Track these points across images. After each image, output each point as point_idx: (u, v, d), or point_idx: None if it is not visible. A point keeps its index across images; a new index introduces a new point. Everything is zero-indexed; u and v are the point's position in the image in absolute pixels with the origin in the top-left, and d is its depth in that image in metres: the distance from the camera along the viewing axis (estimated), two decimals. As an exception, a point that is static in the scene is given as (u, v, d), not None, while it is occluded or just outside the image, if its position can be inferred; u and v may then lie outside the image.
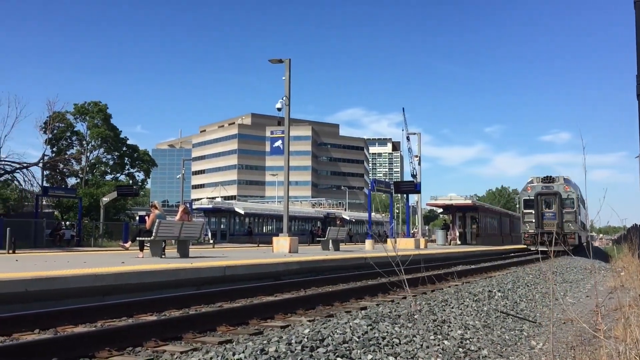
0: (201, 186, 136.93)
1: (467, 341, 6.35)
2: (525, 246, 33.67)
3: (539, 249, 28.31)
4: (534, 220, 31.71)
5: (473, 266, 19.69)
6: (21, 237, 26.36)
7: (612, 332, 6.07)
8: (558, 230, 30.10)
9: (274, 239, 22.82)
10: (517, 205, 37.25)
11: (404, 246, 29.44)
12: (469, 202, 46.76)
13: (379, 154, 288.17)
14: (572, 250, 26.69)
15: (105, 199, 38.62)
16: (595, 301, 10.97)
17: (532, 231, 31.73)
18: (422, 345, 5.76)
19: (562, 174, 32.85)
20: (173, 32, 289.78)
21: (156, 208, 16.16)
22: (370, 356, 5.10)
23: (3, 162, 35.99)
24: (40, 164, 40.95)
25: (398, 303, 8.88)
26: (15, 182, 39.50)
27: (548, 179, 32.58)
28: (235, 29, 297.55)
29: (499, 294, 10.63)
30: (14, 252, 19.94)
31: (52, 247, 28.62)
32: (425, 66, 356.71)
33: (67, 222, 38.93)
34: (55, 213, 43.00)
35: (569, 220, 31.73)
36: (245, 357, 4.62)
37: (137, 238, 15.99)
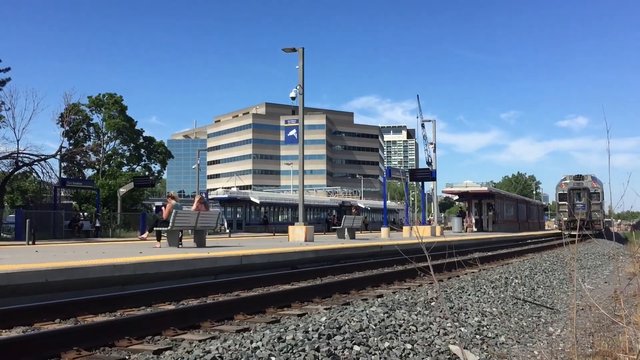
0: (216, 176, 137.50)
1: (485, 328, 6.34)
2: (560, 231, 38.50)
3: (572, 232, 33.29)
4: (567, 210, 38.62)
5: (490, 253, 19.59)
6: (40, 228, 26.74)
7: (631, 318, 6.02)
8: (587, 218, 37.58)
9: (290, 227, 22.88)
10: (554, 199, 43.78)
11: (420, 234, 29.33)
12: (484, 189, 46.46)
13: (394, 142, 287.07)
14: (597, 235, 31.39)
15: (122, 190, 38.96)
16: (613, 287, 10.88)
17: (566, 219, 38.37)
18: (439, 332, 5.76)
19: (590, 173, 39.45)
20: (188, 23, 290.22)
21: (173, 198, 16.26)
22: (387, 343, 5.11)
23: (22, 155, 36.38)
24: (58, 156, 41.37)
25: (414, 290, 8.88)
26: (33, 174, 39.93)
27: (579, 177, 39.76)
28: (249, 18, 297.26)
29: (516, 281, 10.58)
30: (33, 244, 20.22)
31: (70, 238, 28.98)
32: (439, 52, 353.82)
33: (85, 213, 39.38)
34: (74, 204, 43.49)
35: (596, 210, 39.18)
36: (262, 345, 4.65)
37: (155, 228, 16.12)
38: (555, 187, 42.03)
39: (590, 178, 39.63)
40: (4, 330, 6.08)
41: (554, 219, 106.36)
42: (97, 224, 34.47)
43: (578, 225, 23.04)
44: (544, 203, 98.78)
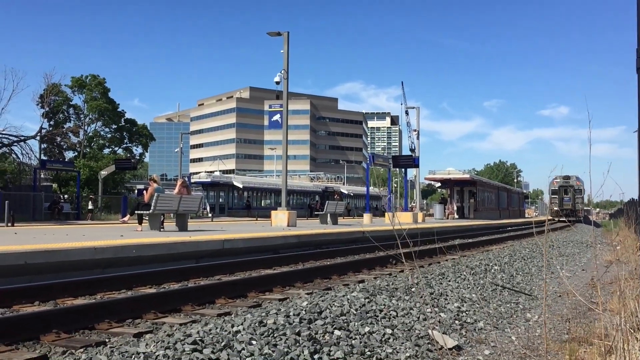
0: (199, 160, 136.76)
1: (464, 314, 6.42)
2: (551, 217, 47.07)
3: (561, 219, 43.50)
4: (557, 202, 51.19)
5: (470, 240, 19.80)
6: (20, 210, 26.44)
7: (608, 305, 6.13)
8: (572, 208, 50.69)
9: (273, 212, 22.88)
10: (546, 194, 59.49)
11: (402, 220, 29.55)
12: (467, 176, 46.85)
13: (378, 128, 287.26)
14: (578, 220, 47.42)
15: (104, 173, 38.62)
16: (591, 275, 11.06)
17: (556, 209, 50.26)
18: (419, 317, 5.82)
19: (575, 174, 50.10)
20: (171, 4, 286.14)
21: (155, 182, 16.16)
22: (367, 328, 5.15)
23: (0, 135, 35.82)
24: (38, 137, 40.80)
25: (395, 276, 8.95)
26: (12, 155, 39.34)
27: (566, 177, 50.81)
28: (233, 1, 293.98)
29: (496, 268, 10.71)
30: (12, 225, 20.00)
31: (50, 220, 28.71)
32: (424, 40, 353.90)
33: (66, 196, 38.98)
34: (54, 186, 43.02)
35: (578, 202, 51.63)
36: (244, 329, 4.66)
37: (136, 211, 16.03)
38: (548, 183, 53.86)
39: (575, 178, 50.96)
40: (-18, 313, 6.02)
41: (533, 207, 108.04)
42: (91, 207, 34.25)
43: (563, 214, 29.52)
44: (524, 191, 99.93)
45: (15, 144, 36.44)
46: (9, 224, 20.38)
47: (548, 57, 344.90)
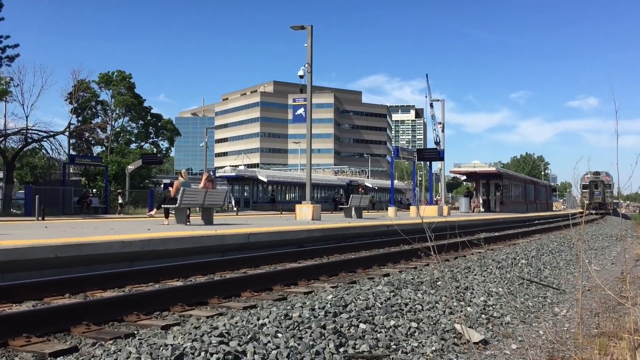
0: (224, 154, 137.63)
1: (490, 308, 6.36)
2: (581, 210, 53.25)
3: (592, 211, 47.48)
4: (588, 196, 54.74)
5: (497, 233, 19.60)
6: (50, 204, 26.93)
7: (637, 299, 6.02)
8: (602, 202, 55.65)
9: (297, 206, 22.93)
10: (574, 188, 61.20)
11: (427, 214, 29.38)
12: (492, 169, 46.27)
13: (402, 121, 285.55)
14: (607, 213, 51.25)
15: (131, 167, 39.10)
16: (620, 269, 10.87)
17: (587, 202, 51.99)
18: (444, 311, 5.79)
19: (605, 170, 54.23)
20: (196, 0, 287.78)
21: (181, 176, 16.33)
22: (392, 322, 5.14)
23: (31, 131, 36.44)
24: (67, 133, 41.42)
25: (421, 270, 8.91)
26: (42, 150, 40.01)
27: (596, 173, 55.79)
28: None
29: (523, 261, 10.59)
30: (43, 219, 20.40)
31: (79, 214, 29.20)
32: (449, 32, 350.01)
33: (94, 190, 39.60)
34: (82, 181, 43.71)
35: (608, 196, 56.88)
36: (269, 322, 4.69)
37: (162, 205, 16.21)
38: (579, 179, 60.65)
39: (605, 173, 55.78)
40: (14, 305, 6.16)
41: (562, 200, 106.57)
42: (120, 201, 34.79)
43: (594, 207, 36.91)
44: (552, 184, 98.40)
45: (44, 139, 37.05)
46: (40, 218, 20.79)
47: (576, 48, 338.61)
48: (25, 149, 38.21)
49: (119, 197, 35.62)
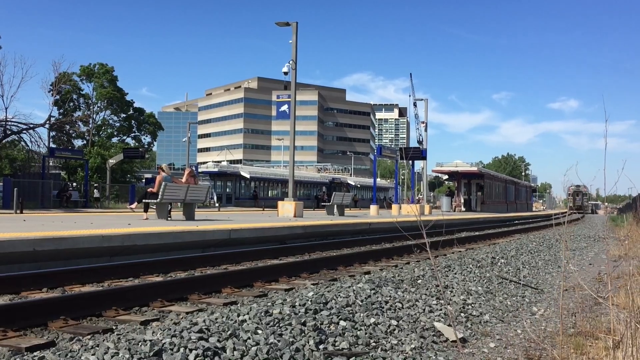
0: (207, 150, 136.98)
1: (469, 306, 6.42)
2: (566, 210, 61.96)
3: (574, 212, 59.52)
4: (572, 201, 75.13)
5: (477, 233, 19.76)
6: (28, 197, 26.59)
7: (615, 300, 6.11)
8: (580, 205, 76.26)
9: (279, 203, 22.91)
10: (554, 189, 71.34)
11: (409, 212, 29.52)
12: (474, 169, 46.66)
13: (386, 120, 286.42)
14: (586, 213, 70.58)
15: (112, 161, 38.79)
16: (598, 269, 11.02)
17: (571, 205, 73.00)
18: (424, 309, 5.82)
19: (582, 183, 65.33)
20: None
21: (163, 171, 16.21)
22: (372, 319, 5.16)
23: (10, 123, 35.96)
24: (47, 125, 40.92)
25: (401, 268, 8.95)
26: (22, 142, 39.58)
27: (577, 186, 68.01)
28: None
29: (502, 261, 10.69)
30: (21, 212, 20.14)
31: (59, 207, 28.88)
32: (433, 32, 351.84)
33: (74, 184, 39.19)
34: (62, 174, 43.23)
35: (585, 200, 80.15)
36: (249, 319, 4.68)
37: (143, 200, 16.09)
38: (566, 188, 71.76)
39: (583, 186, 66.15)
40: (-10, 298, 6.07)
41: (541, 201, 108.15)
42: (96, 195, 34.47)
43: (575, 209, 59.28)
44: (532, 185, 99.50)
45: (24, 131, 36.58)
46: (18, 211, 20.52)
47: (558, 50, 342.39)
48: (4, 141, 37.68)
49: (95, 190, 35.26)
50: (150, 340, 3.88)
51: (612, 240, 17.59)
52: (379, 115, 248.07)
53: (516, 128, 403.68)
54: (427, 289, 6.71)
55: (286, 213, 21.75)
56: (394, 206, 33.22)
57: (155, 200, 15.26)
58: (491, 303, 6.78)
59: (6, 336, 4.51)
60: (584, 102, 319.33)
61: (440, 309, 5.95)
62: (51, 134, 44.43)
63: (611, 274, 9.14)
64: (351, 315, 5.18)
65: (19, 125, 36.12)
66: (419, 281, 7.13)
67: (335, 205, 24.57)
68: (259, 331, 4.39)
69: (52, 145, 42.63)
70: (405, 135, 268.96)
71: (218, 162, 67.78)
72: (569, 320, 6.05)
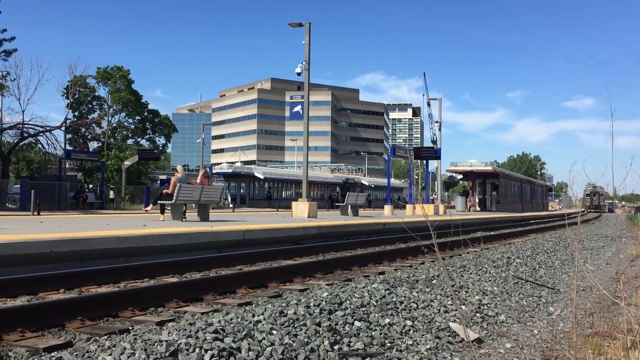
0: (221, 151, 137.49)
1: (485, 306, 6.38)
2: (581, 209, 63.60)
3: (591, 211, 67.56)
4: (589, 200, 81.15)
5: (492, 233, 19.63)
6: (45, 199, 26.87)
7: (632, 300, 6.04)
8: (597, 204, 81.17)
9: (293, 203, 22.93)
10: (582, 196, 70.26)
11: (423, 212, 29.36)
12: (489, 168, 46.37)
13: (399, 120, 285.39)
14: (603, 212, 75.87)
15: (127, 163, 39.06)
16: (615, 269, 10.90)
17: (588, 204, 77.52)
18: (439, 310, 5.80)
19: (599, 185, 61.34)
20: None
21: (177, 172, 16.31)
22: (387, 320, 5.15)
23: (27, 125, 36.36)
24: (63, 128, 41.34)
25: (416, 268, 8.92)
26: (38, 145, 39.94)
27: (594, 186, 75.51)
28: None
29: (518, 261, 10.61)
30: (38, 214, 20.35)
31: (75, 209, 29.16)
32: (446, 30, 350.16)
33: (90, 186, 39.56)
34: (79, 176, 43.64)
35: (601, 200, 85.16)
36: (264, 319, 4.69)
37: (158, 201, 16.20)
38: (583, 190, 70.98)
39: (600, 187, 76.65)
40: (9, 300, 6.15)
41: (557, 200, 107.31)
42: (112, 196, 34.81)
43: (592, 208, 68.38)
44: (548, 184, 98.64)
45: (40, 134, 36.96)
46: (35, 213, 20.74)
47: (573, 48, 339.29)
48: (21, 143, 38.12)
49: (110, 192, 35.59)
50: (166, 341, 3.90)
51: (629, 240, 17.39)
52: (393, 115, 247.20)
53: (531, 127, 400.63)
54: (442, 289, 6.68)
55: (300, 213, 21.77)
56: (408, 206, 33.11)
57: (170, 202, 15.36)
58: (507, 303, 6.73)
59: (24, 337, 4.56)
60: (599, 100, 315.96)
61: (456, 310, 5.92)
62: (67, 136, 44.90)
63: (628, 273, 9.03)
64: (366, 315, 5.17)
65: (36, 127, 36.52)
66: (434, 281, 7.10)
67: (349, 206, 24.54)
68: (274, 332, 4.40)
69: (68, 147, 43.08)
70: (419, 135, 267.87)
71: (232, 163, 68.05)
72: (587, 321, 6.00)
